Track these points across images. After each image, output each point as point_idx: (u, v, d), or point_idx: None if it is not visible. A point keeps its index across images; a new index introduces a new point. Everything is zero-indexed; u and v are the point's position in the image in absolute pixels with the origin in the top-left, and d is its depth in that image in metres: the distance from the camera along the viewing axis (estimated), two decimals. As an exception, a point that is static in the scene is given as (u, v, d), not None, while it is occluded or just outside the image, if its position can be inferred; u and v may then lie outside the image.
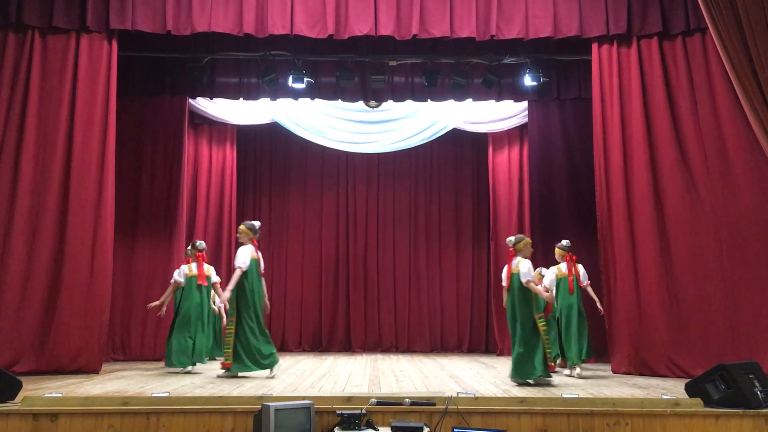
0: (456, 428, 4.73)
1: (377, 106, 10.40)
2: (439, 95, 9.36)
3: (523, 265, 6.55)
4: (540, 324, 6.55)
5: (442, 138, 10.97)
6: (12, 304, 7.12)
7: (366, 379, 6.83)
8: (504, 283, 6.77)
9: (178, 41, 8.47)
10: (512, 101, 9.97)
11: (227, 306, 7.22)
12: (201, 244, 8.10)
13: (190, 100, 9.97)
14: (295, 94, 9.24)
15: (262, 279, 7.28)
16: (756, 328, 6.95)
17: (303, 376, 6.98)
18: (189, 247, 8.24)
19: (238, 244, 7.24)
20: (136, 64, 8.93)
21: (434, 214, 11.60)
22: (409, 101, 9.72)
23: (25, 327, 7.13)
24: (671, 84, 7.74)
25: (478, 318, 11.15)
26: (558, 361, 7.51)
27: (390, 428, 4.71)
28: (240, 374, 6.94)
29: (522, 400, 5.12)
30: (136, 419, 4.84)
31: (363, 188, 11.58)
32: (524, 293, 6.51)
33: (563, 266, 7.58)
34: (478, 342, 11.13)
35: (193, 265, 7.88)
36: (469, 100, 9.65)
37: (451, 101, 9.61)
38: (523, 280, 6.48)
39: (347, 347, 10.99)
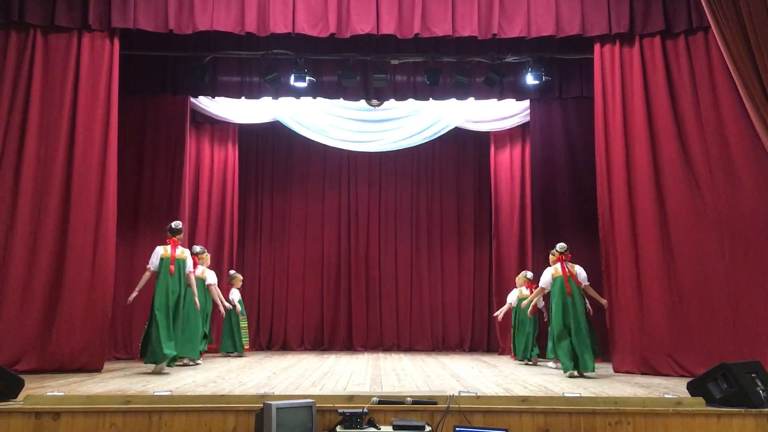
0: (458, 427, 4.73)
1: (379, 105, 10.41)
2: (441, 94, 9.36)
3: None
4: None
5: (444, 137, 10.97)
6: (14, 303, 7.13)
7: (368, 377, 6.83)
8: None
9: (180, 40, 8.47)
10: (514, 100, 9.97)
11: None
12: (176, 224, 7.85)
13: (192, 99, 9.98)
14: (297, 93, 9.24)
15: (190, 276, 7.56)
16: (758, 327, 6.94)
17: (305, 375, 6.99)
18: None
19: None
20: (137, 63, 8.93)
21: (436, 212, 11.60)
22: (411, 100, 9.72)
23: (28, 325, 7.14)
24: (674, 83, 7.73)
25: (480, 317, 11.15)
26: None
27: (392, 427, 4.71)
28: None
29: (524, 399, 5.12)
30: (138, 418, 4.84)
31: (365, 187, 11.59)
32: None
33: (558, 267, 7.63)
34: (479, 341, 11.14)
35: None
36: (471, 99, 9.65)
37: (453, 100, 9.61)
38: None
39: (349, 346, 11.00)
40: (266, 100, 9.85)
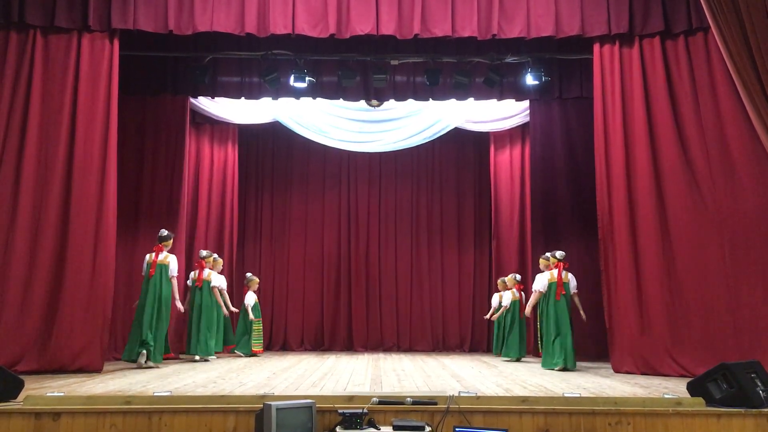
0: (458, 427, 4.73)
1: (379, 106, 10.42)
2: (440, 94, 9.36)
3: None
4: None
5: (444, 137, 10.98)
6: (14, 303, 7.13)
7: (368, 378, 6.83)
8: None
9: (180, 41, 8.48)
10: (514, 100, 9.98)
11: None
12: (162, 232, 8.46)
13: (192, 100, 9.99)
14: (297, 94, 9.25)
15: (172, 281, 8.22)
16: (758, 328, 6.94)
17: (305, 375, 6.99)
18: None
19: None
20: (137, 64, 8.94)
21: (436, 212, 11.62)
22: (410, 100, 9.73)
23: (28, 326, 7.14)
24: (673, 83, 7.73)
25: (480, 317, 11.15)
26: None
27: (392, 427, 4.71)
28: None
29: (524, 400, 5.12)
30: (138, 418, 4.84)
31: (365, 187, 11.60)
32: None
33: (555, 273, 8.22)
34: (479, 341, 11.15)
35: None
36: (471, 100, 9.66)
37: (453, 100, 9.62)
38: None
39: (349, 346, 11.01)
40: (266, 101, 9.86)
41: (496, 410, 4.96)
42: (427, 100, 9.58)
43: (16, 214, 7.27)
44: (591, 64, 8.21)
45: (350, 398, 5.06)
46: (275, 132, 11.20)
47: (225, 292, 9.55)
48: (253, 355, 9.72)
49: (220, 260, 9.67)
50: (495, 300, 10.11)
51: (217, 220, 10.81)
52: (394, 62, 9.02)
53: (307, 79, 8.80)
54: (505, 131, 11.08)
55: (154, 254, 8.19)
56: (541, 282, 8.32)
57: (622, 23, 7.81)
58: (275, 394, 5.19)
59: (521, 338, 9.24)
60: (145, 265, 8.24)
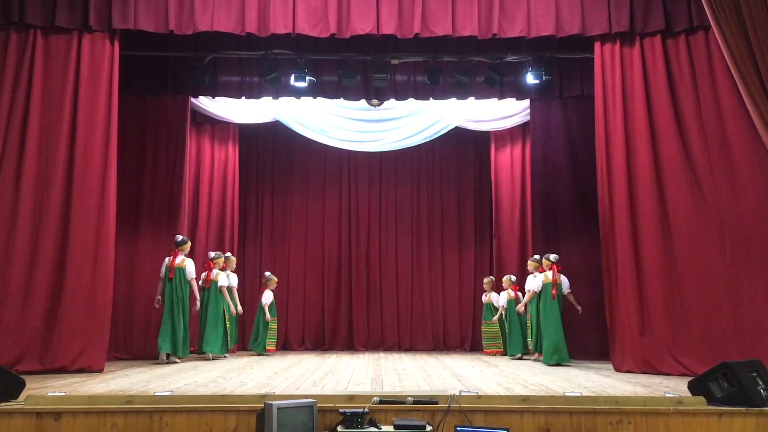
0: (459, 427, 4.73)
1: (379, 105, 10.42)
2: (441, 94, 9.36)
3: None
4: None
5: (445, 136, 10.98)
6: (15, 303, 7.13)
7: (369, 377, 6.83)
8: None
9: (181, 40, 8.48)
10: (514, 99, 9.99)
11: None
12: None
13: (193, 99, 9.99)
14: (297, 93, 9.25)
15: (190, 282, 8.66)
16: (759, 326, 6.94)
17: (306, 375, 6.99)
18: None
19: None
20: (138, 64, 8.94)
21: (436, 212, 11.61)
22: (411, 100, 9.73)
23: (28, 326, 7.14)
24: (674, 82, 7.72)
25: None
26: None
27: (393, 427, 4.71)
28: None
29: (525, 399, 5.12)
30: (139, 418, 4.84)
31: (365, 187, 11.59)
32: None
33: (549, 274, 8.72)
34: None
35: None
36: (472, 99, 9.65)
37: (454, 100, 9.62)
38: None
39: (350, 346, 11.01)
40: (266, 100, 9.86)
41: (497, 409, 4.96)
42: (428, 99, 9.58)
43: (16, 214, 7.27)
44: (592, 63, 8.20)
45: (351, 397, 5.06)
46: (276, 131, 11.20)
47: (234, 291, 9.61)
48: (266, 353, 9.83)
49: (233, 259, 9.87)
50: (502, 299, 10.11)
51: (217, 220, 10.81)
52: (394, 61, 9.02)
53: (307, 78, 8.81)
54: (506, 130, 11.08)
55: (172, 258, 8.63)
56: (536, 282, 8.83)
57: (623, 22, 7.80)
58: (276, 393, 5.19)
59: (523, 336, 9.47)
60: (163, 268, 8.63)
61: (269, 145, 11.59)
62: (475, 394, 5.20)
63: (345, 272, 11.34)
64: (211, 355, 8.95)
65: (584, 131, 9.25)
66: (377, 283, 11.32)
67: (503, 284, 10.16)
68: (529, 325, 9.18)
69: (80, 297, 7.31)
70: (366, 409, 4.79)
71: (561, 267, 8.85)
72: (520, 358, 9.29)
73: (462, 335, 11.23)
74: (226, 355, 9.28)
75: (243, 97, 9.50)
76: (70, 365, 7.18)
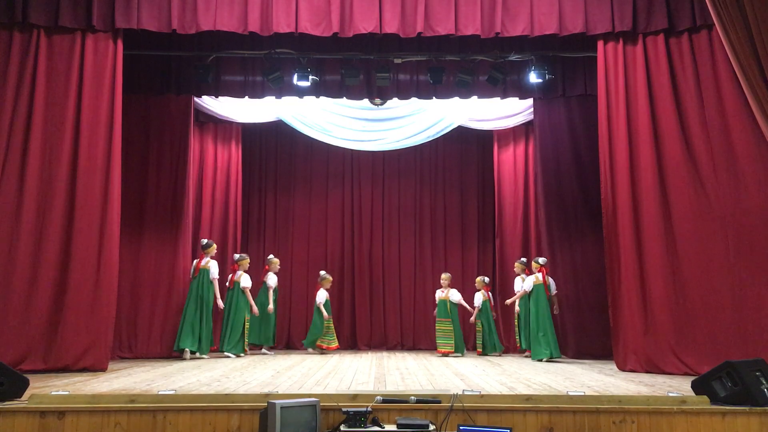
0: (462, 426, 4.73)
1: (382, 104, 10.42)
2: (444, 93, 9.35)
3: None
4: None
5: (447, 135, 10.97)
6: (19, 303, 7.15)
7: (371, 376, 6.84)
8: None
9: (184, 40, 8.50)
10: (517, 98, 9.96)
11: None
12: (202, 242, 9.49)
13: (196, 99, 9.99)
14: (300, 92, 9.26)
15: (213, 282, 9.23)
16: (763, 325, 6.93)
17: (309, 374, 6.99)
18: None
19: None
20: (141, 63, 8.96)
21: (439, 211, 11.60)
22: (414, 99, 9.73)
23: (32, 325, 7.16)
24: (677, 81, 7.71)
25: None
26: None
27: (396, 426, 4.72)
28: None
29: (528, 398, 5.12)
30: (142, 417, 4.85)
31: (368, 186, 11.58)
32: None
33: (539, 276, 9.21)
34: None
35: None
36: (474, 98, 9.64)
37: (456, 99, 9.60)
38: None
39: (353, 345, 11.01)
40: (269, 100, 9.86)
41: (500, 409, 4.96)
42: (431, 98, 9.57)
43: (20, 214, 7.29)
44: (595, 62, 8.19)
45: (354, 397, 5.07)
46: (278, 131, 11.20)
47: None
48: (325, 351, 10.00)
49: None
50: (477, 300, 10.12)
51: (220, 219, 10.81)
52: (397, 61, 9.02)
53: (310, 77, 8.81)
54: (509, 129, 11.06)
55: (198, 260, 9.25)
56: (527, 283, 9.33)
57: (626, 21, 7.79)
58: (279, 392, 5.19)
59: (498, 335, 10.07)
60: (192, 269, 9.25)
61: (272, 144, 11.59)
62: (478, 393, 5.20)
63: (348, 271, 11.33)
64: (233, 355, 9.22)
65: (587, 130, 9.24)
66: (380, 283, 11.31)
67: (476, 285, 10.23)
68: (516, 323, 9.77)
69: (84, 296, 7.32)
70: (369, 409, 4.79)
71: (548, 269, 9.43)
72: (499, 356, 9.65)
73: (465, 335, 11.17)
74: (240, 354, 9.38)
75: (246, 97, 9.50)
76: (74, 364, 7.20)
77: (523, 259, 9.88)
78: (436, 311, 10.04)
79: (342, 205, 11.55)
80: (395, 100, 9.88)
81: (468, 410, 4.89)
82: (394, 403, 4.99)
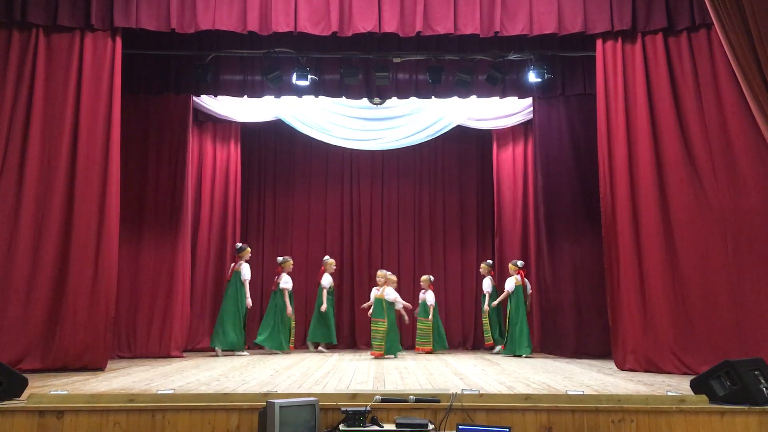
0: (461, 425, 4.73)
1: (381, 103, 10.41)
2: (443, 92, 9.35)
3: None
4: None
5: (447, 135, 10.97)
6: (18, 302, 7.14)
7: (371, 376, 6.84)
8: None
9: (183, 39, 8.49)
10: (516, 98, 9.96)
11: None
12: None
13: (195, 98, 9.98)
14: (299, 92, 9.25)
15: (244, 284, 9.75)
16: (762, 324, 6.92)
17: (308, 374, 7.00)
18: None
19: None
20: (140, 62, 8.95)
21: (438, 211, 11.60)
22: (413, 98, 9.72)
23: (31, 324, 7.16)
24: (676, 80, 7.71)
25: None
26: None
27: (395, 425, 4.72)
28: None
29: (527, 397, 5.12)
30: (141, 416, 4.86)
31: (367, 185, 11.58)
32: None
33: (518, 278, 9.60)
34: (482, 339, 11.10)
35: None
36: (474, 97, 9.64)
37: (456, 98, 9.59)
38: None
39: (352, 344, 11.00)
40: (268, 99, 9.86)
41: (499, 408, 4.97)
42: (430, 97, 9.57)
43: (19, 213, 7.29)
44: (594, 61, 8.18)
45: (353, 396, 5.07)
46: (278, 130, 11.19)
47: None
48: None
49: (332, 261, 10.51)
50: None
51: (219, 219, 10.80)
52: (396, 60, 9.01)
53: (309, 77, 8.80)
54: (508, 129, 11.06)
55: (234, 263, 9.87)
56: (510, 285, 9.62)
57: (625, 20, 7.79)
58: (278, 392, 5.20)
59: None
60: (229, 272, 9.90)
61: (271, 143, 11.58)
62: (477, 392, 5.20)
63: (347, 270, 11.32)
64: (281, 352, 9.73)
65: (586, 130, 9.23)
66: (379, 282, 11.29)
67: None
68: (485, 321, 10.17)
69: (83, 295, 7.32)
70: (368, 408, 4.80)
71: (525, 271, 9.89)
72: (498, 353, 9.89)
73: (464, 333, 11.22)
74: (277, 351, 9.79)
75: (245, 96, 9.50)
76: (73, 364, 7.20)
77: (489, 261, 10.46)
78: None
79: (341, 204, 11.55)
80: (394, 99, 9.87)
81: (467, 409, 4.90)
82: (393, 402, 4.99)
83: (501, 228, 10.95)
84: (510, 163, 11.10)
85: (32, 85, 7.52)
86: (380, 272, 9.90)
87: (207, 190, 10.77)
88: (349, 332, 11.11)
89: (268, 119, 10.73)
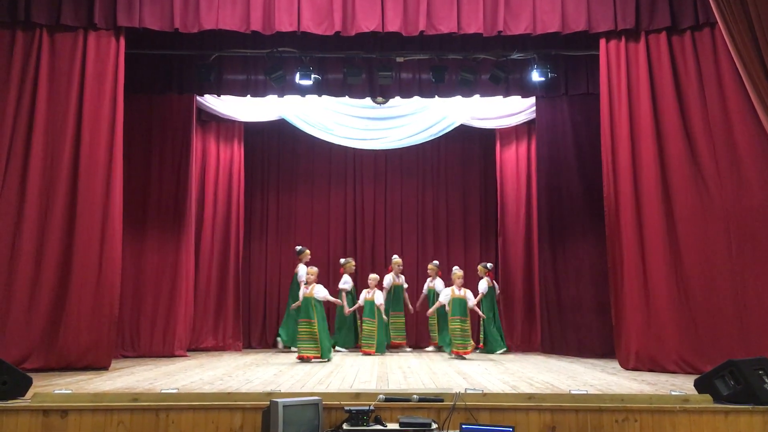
0: (464, 424, 4.73)
1: (384, 103, 10.40)
2: (446, 91, 9.34)
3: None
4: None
5: (450, 134, 10.96)
6: (22, 301, 7.16)
7: (374, 375, 6.84)
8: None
9: (186, 39, 8.48)
10: (520, 97, 9.95)
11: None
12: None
13: (198, 98, 9.99)
14: (302, 91, 9.24)
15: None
16: (766, 324, 6.91)
17: (311, 373, 7.00)
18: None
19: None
20: (143, 62, 8.94)
21: (442, 210, 11.59)
22: (416, 97, 9.70)
23: (35, 323, 7.17)
24: (680, 79, 7.70)
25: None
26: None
27: (398, 424, 4.72)
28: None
29: (530, 397, 5.12)
30: (145, 415, 4.86)
31: (370, 185, 11.58)
32: None
33: (489, 279, 10.06)
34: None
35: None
36: (477, 96, 9.63)
37: (459, 97, 9.59)
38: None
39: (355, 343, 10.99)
40: (272, 98, 9.86)
41: (502, 407, 4.97)
42: (433, 97, 9.56)
43: (23, 213, 7.30)
44: (597, 61, 8.17)
45: (357, 395, 5.07)
46: (281, 130, 11.19)
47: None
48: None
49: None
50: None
51: (223, 218, 10.80)
52: (399, 59, 9.01)
53: (312, 76, 8.80)
54: (511, 128, 11.05)
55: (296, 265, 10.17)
56: (483, 286, 10.00)
57: (629, 19, 7.78)
58: (282, 391, 5.20)
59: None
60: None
61: (274, 143, 11.58)
62: (480, 392, 5.20)
63: (350, 270, 11.33)
64: (346, 350, 9.97)
65: (590, 129, 9.21)
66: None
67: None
68: (481, 323, 10.15)
69: (86, 295, 7.33)
70: (371, 407, 4.80)
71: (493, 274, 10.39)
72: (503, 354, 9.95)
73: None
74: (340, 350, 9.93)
75: (248, 96, 9.49)
76: (77, 363, 7.22)
77: (488, 264, 10.37)
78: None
79: (344, 203, 11.55)
80: (397, 98, 9.86)
81: (470, 409, 4.90)
82: (396, 401, 4.99)
83: (504, 227, 10.94)
84: (513, 163, 11.09)
85: (35, 85, 7.53)
86: (371, 276, 10.09)
87: (210, 189, 10.77)
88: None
89: (271, 119, 10.74)
